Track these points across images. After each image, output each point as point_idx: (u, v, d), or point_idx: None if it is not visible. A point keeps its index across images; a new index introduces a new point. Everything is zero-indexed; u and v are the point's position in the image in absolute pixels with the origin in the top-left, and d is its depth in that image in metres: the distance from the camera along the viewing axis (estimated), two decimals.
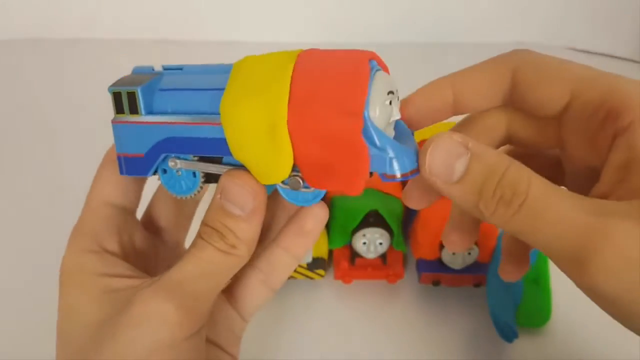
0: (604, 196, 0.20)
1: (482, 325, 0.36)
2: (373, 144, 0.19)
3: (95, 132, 0.58)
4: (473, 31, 0.83)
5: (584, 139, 0.22)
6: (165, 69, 0.24)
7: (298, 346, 0.35)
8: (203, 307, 0.23)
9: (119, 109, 0.23)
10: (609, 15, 0.81)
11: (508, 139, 0.25)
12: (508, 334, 0.34)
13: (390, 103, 0.20)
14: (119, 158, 0.24)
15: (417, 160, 0.20)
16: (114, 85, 0.23)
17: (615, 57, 0.79)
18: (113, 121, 0.23)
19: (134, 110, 0.23)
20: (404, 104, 0.23)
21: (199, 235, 0.23)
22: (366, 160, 0.20)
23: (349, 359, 0.35)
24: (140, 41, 0.77)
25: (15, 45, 0.76)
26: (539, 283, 0.37)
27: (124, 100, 0.23)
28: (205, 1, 0.80)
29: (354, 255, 0.39)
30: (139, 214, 0.29)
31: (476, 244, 0.36)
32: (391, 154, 0.20)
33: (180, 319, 0.21)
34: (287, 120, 0.20)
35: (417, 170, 0.20)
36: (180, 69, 0.24)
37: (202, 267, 0.22)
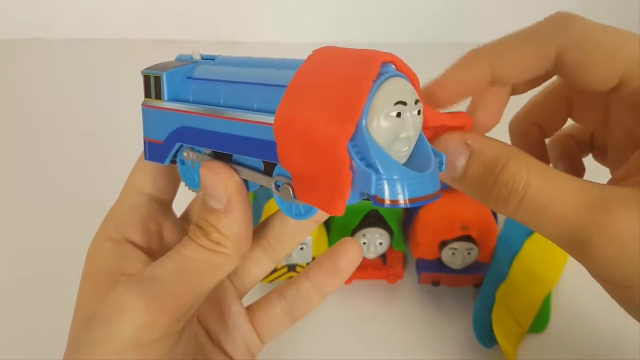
0: (622, 179, 0.20)
1: None
2: (364, 159, 0.16)
3: (96, 131, 0.58)
4: (473, 31, 0.83)
5: (626, 121, 0.22)
6: (204, 58, 0.24)
7: (298, 346, 0.35)
8: (180, 307, 0.20)
9: (147, 93, 0.23)
10: (609, 15, 0.81)
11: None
12: (489, 339, 0.34)
13: (399, 115, 0.17)
14: (144, 142, 0.23)
15: (430, 186, 0.18)
16: (147, 68, 0.23)
17: None
18: (142, 104, 0.23)
19: (158, 94, 0.22)
20: (436, 85, 0.22)
21: (187, 234, 0.22)
22: (346, 176, 0.16)
23: (348, 359, 0.35)
24: (140, 41, 0.77)
25: (15, 45, 0.77)
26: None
27: (151, 84, 0.23)
28: (206, 2, 0.80)
29: None
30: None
31: (476, 244, 0.36)
32: (386, 174, 0.16)
33: (149, 319, 0.19)
34: (275, 118, 0.18)
35: (421, 199, 0.17)
36: (213, 59, 0.23)
37: (182, 264, 0.21)
